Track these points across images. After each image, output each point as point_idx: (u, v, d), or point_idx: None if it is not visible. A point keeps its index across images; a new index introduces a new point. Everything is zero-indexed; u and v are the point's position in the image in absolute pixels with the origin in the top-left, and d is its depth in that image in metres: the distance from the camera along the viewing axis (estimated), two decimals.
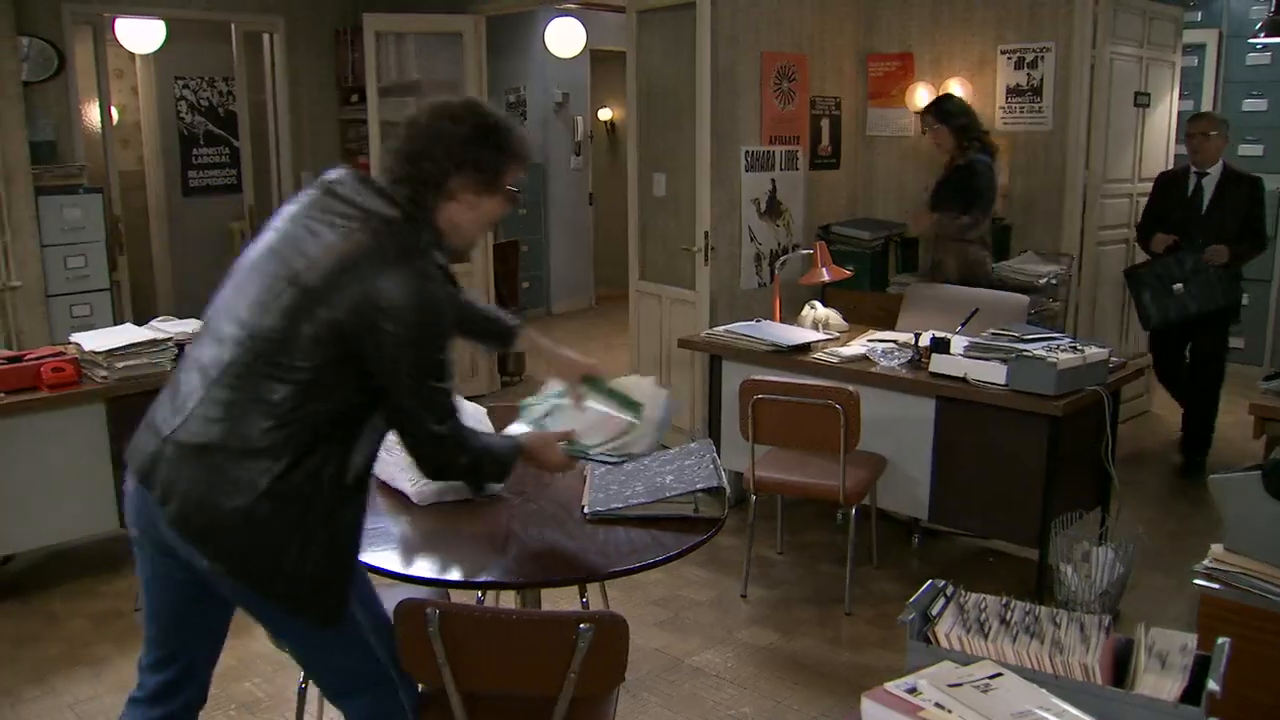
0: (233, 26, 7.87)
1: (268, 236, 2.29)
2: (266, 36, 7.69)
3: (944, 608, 1.89)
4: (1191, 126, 5.67)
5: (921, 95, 6.16)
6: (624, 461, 2.71)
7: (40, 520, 4.21)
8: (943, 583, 1.97)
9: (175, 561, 2.25)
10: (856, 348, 4.65)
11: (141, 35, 7.81)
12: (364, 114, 7.26)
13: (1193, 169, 5.67)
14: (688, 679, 3.74)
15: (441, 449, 2.30)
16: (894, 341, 4.66)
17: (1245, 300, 7.41)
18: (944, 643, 1.82)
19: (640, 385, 2.84)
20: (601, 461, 2.70)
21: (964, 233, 5.35)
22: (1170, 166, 6.56)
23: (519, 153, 2.36)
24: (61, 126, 6.58)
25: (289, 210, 2.31)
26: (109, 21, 7.44)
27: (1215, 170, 5.56)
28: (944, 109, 5.38)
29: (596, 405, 2.82)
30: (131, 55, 8.71)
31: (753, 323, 4.99)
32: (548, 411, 2.89)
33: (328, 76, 7.87)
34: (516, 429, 2.86)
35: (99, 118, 7.34)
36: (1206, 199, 5.61)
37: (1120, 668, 1.79)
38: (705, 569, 4.56)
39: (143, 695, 2.46)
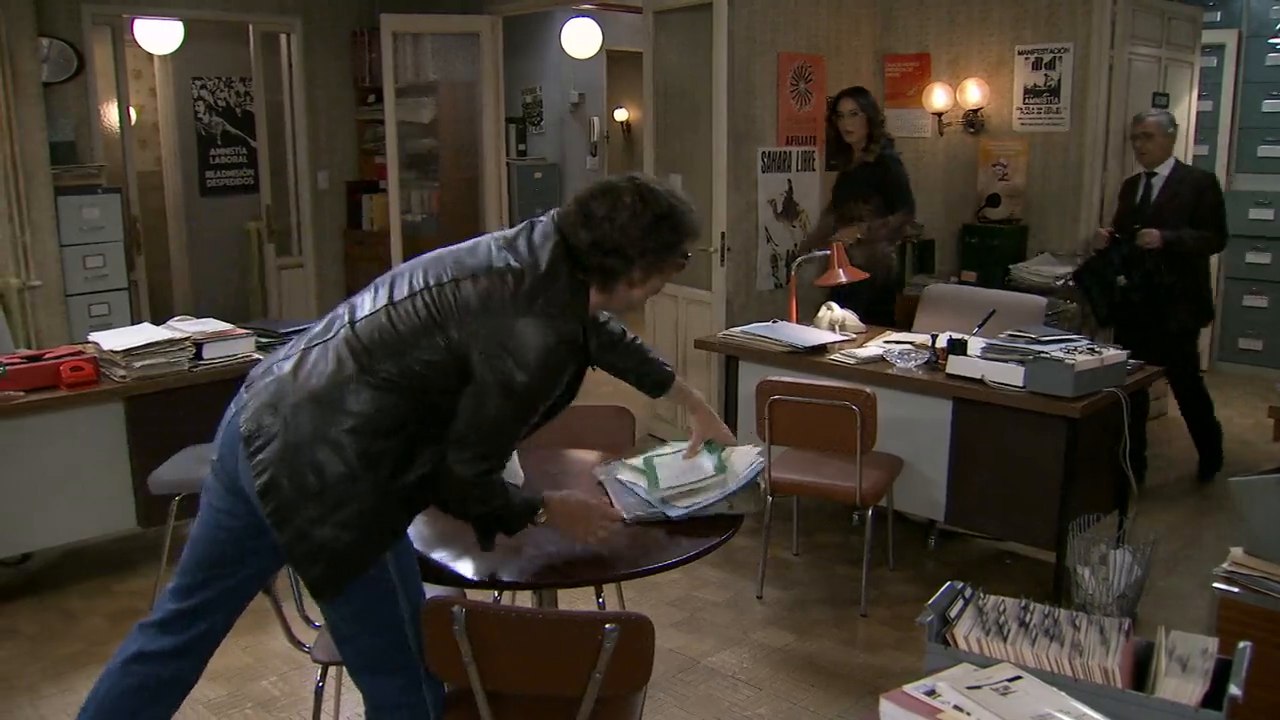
0: (250, 27, 7.90)
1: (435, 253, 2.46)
2: (284, 37, 7.73)
3: (963, 610, 1.89)
4: (1133, 128, 5.56)
5: (939, 96, 6.15)
6: (683, 514, 2.71)
7: (58, 518, 4.23)
8: (961, 585, 1.96)
9: (240, 502, 2.35)
10: (873, 349, 4.64)
11: (160, 36, 7.84)
12: (381, 114, 7.30)
13: (1142, 171, 5.55)
14: (703, 680, 3.74)
15: (465, 488, 2.30)
16: (911, 343, 4.65)
17: (1264, 303, 7.40)
18: (963, 645, 1.82)
19: (742, 452, 2.90)
20: (665, 516, 2.69)
21: (896, 235, 5.45)
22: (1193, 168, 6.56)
23: (693, 232, 2.43)
24: (81, 127, 6.62)
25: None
26: (128, 22, 7.47)
27: (1164, 169, 5.43)
28: (868, 96, 5.49)
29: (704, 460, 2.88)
30: (150, 56, 8.74)
31: (769, 323, 4.99)
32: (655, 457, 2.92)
33: (345, 77, 7.90)
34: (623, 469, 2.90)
35: (117, 118, 7.39)
36: (1154, 198, 5.49)
37: (1140, 671, 1.78)
38: (721, 570, 4.56)
39: (153, 620, 2.52)
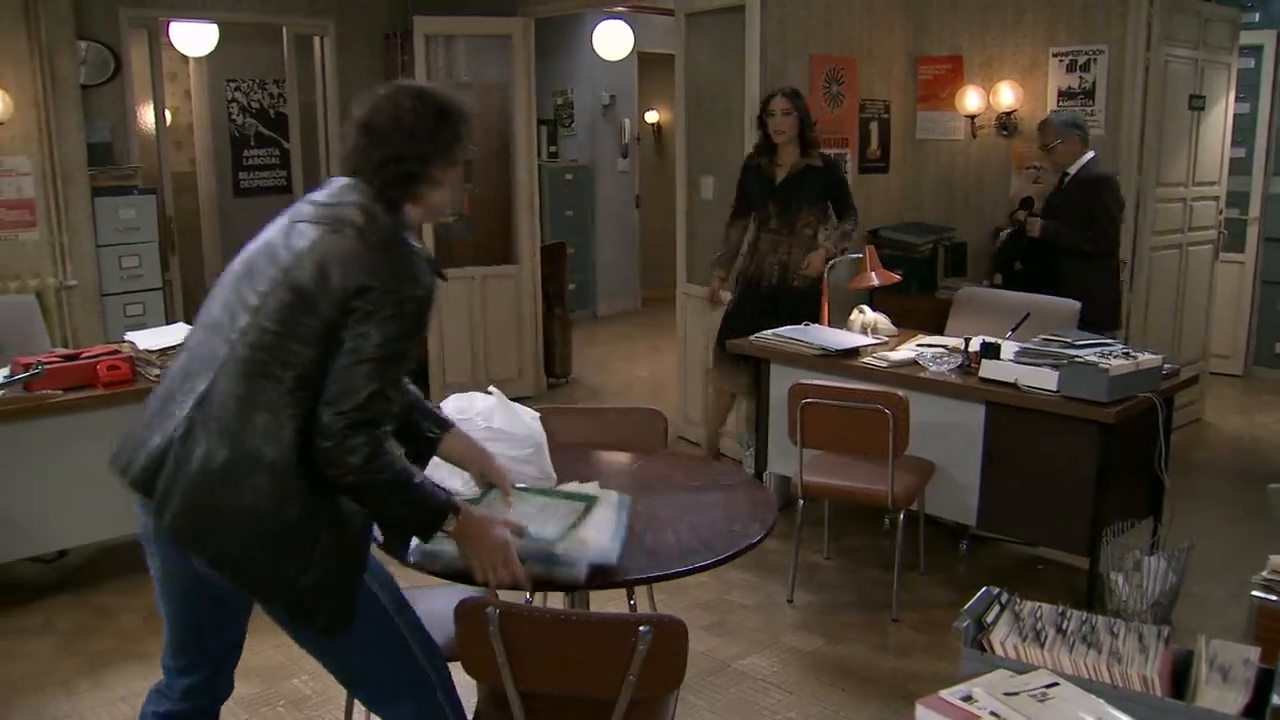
0: (284, 29, 7.95)
1: (247, 250, 2.35)
2: (317, 39, 7.76)
3: (999, 615, 1.88)
4: (1039, 137, 5.56)
5: (972, 99, 6.12)
6: (582, 559, 2.35)
7: (94, 516, 4.26)
8: (997, 590, 1.95)
9: (186, 562, 2.26)
10: (905, 352, 4.62)
11: (195, 38, 7.91)
12: None
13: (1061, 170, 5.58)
14: (734, 683, 3.74)
15: (348, 437, 2.13)
16: (943, 346, 4.62)
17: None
18: (999, 651, 1.81)
19: (585, 487, 2.74)
20: (563, 560, 2.34)
21: (843, 245, 5.29)
22: (1226, 171, 6.52)
23: (468, 117, 2.41)
24: (117, 128, 6.68)
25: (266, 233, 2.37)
26: (164, 25, 7.54)
27: (1074, 168, 5.42)
28: (801, 99, 5.26)
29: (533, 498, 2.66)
30: (185, 58, 8.82)
31: (801, 326, 4.98)
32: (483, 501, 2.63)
33: (377, 78, 7.90)
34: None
35: (153, 120, 7.45)
36: (1061, 194, 5.51)
37: (1179, 680, 1.77)
38: (751, 573, 4.55)
39: (170, 693, 2.48)
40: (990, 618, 1.88)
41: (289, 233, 2.28)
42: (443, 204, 2.47)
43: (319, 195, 2.35)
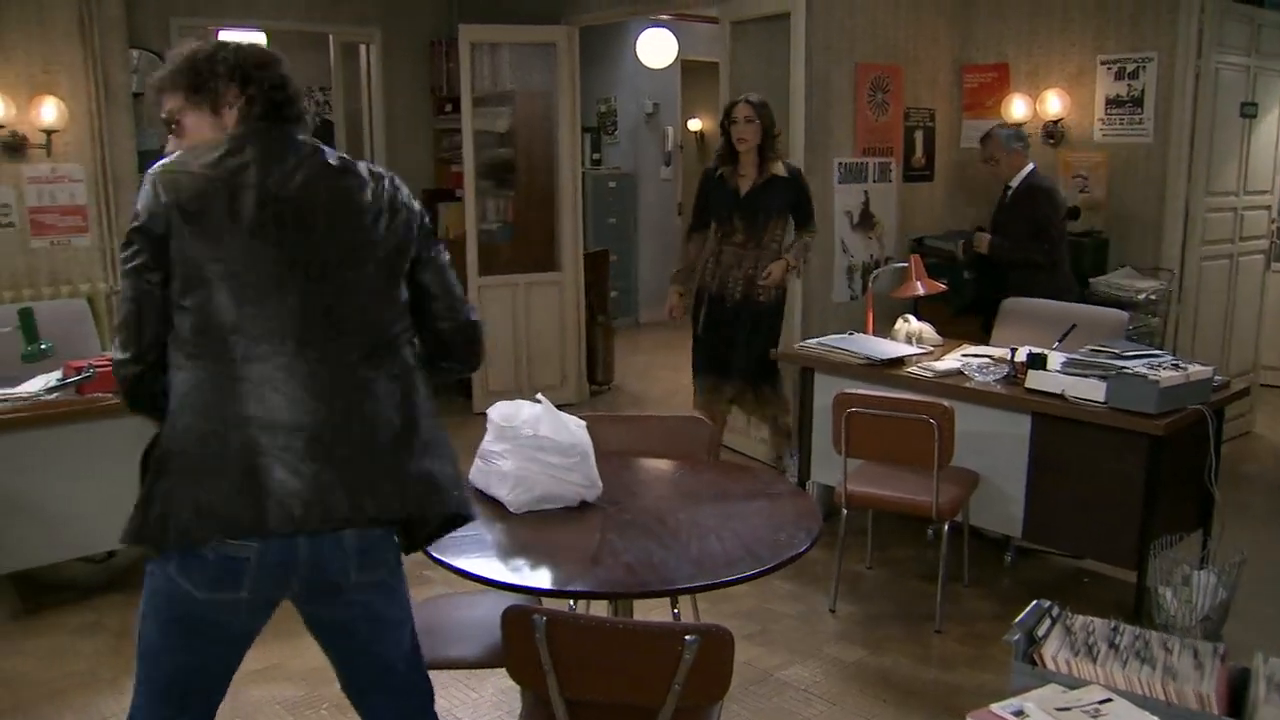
0: (330, 38, 8.03)
1: None
2: (363, 47, 7.83)
3: (1050, 629, 1.86)
4: (980, 151, 5.66)
5: (1018, 107, 6.08)
6: None
7: None
8: (1048, 603, 1.93)
9: (268, 613, 2.21)
10: (950, 362, 4.60)
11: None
12: (457, 123, 7.35)
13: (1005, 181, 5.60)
14: (775, 693, 3.72)
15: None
16: (989, 356, 4.59)
17: None
18: (1050, 665, 1.79)
19: None
20: None
21: (804, 257, 5.28)
22: (1278, 179, 6.44)
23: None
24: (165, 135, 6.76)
25: None
26: (213, 33, 7.62)
27: (1016, 180, 5.47)
28: (767, 108, 5.12)
29: None
30: None
31: (845, 335, 4.96)
32: None
33: (422, 86, 7.99)
34: None
35: None
36: (1004, 207, 5.57)
37: (1236, 698, 1.74)
38: (792, 582, 4.53)
39: None
40: (1041, 631, 1.86)
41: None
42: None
43: None
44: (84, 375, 4.19)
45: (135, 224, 2.06)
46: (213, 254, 2.02)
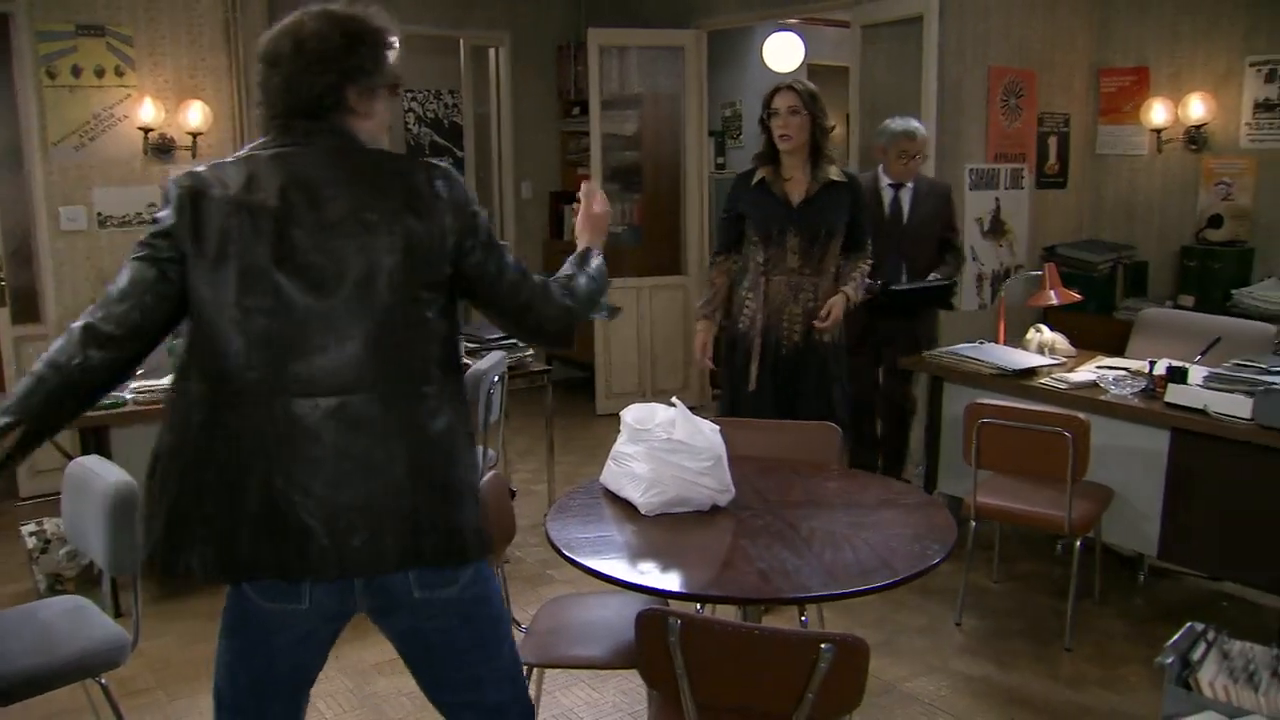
0: (460, 41, 8.17)
1: None
2: (492, 51, 7.96)
3: (1206, 653, 1.80)
4: (907, 144, 5.01)
5: (1158, 112, 5.90)
6: None
7: None
8: (1202, 626, 1.87)
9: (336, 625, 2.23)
10: (1085, 374, 4.48)
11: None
12: (584, 126, 7.43)
13: (887, 182, 5.12)
14: (900, 705, 3.67)
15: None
16: (1125, 369, 4.46)
17: None
18: (1207, 691, 1.73)
19: None
20: None
21: (863, 291, 4.41)
22: None
23: (391, 41, 2.21)
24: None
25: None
26: None
27: (911, 182, 5.11)
28: (818, 99, 4.27)
29: None
30: None
31: (976, 344, 4.87)
32: None
33: (549, 89, 8.09)
34: None
35: None
36: (908, 214, 5.12)
37: None
38: (918, 594, 4.46)
39: None
40: (1196, 655, 1.80)
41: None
42: (371, 136, 2.19)
43: None
44: None
45: None
46: None
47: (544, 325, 2.28)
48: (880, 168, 5.15)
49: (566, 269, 2.39)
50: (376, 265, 2.02)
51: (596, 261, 2.43)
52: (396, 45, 2.23)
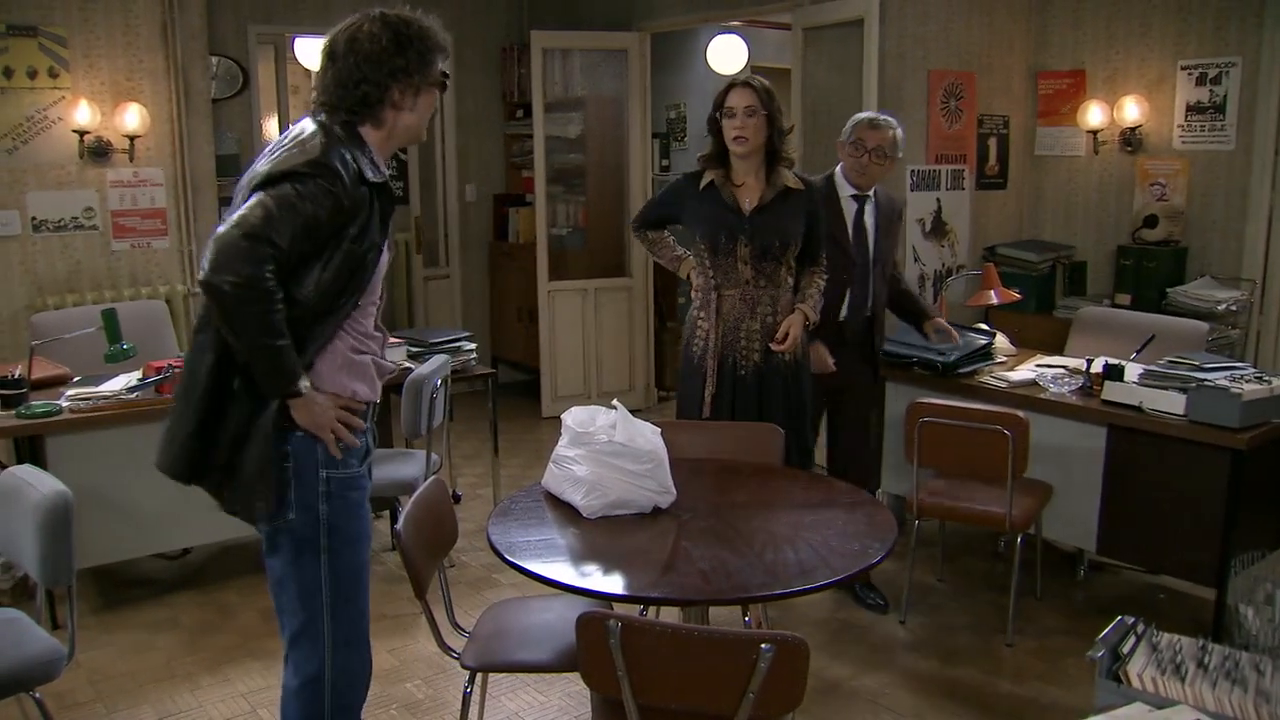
0: None
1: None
2: None
3: (1135, 646, 1.83)
4: (865, 134, 4.23)
5: (1094, 114, 5.98)
6: None
7: (217, 516, 4.35)
8: (1132, 619, 1.90)
9: None
10: (1025, 372, 4.53)
11: (318, 53, 8.11)
12: (528, 129, 7.42)
13: (850, 192, 4.30)
14: (845, 703, 3.70)
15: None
16: (1064, 367, 4.52)
17: None
18: (1136, 683, 1.76)
19: None
20: None
21: (820, 306, 4.00)
22: None
23: (440, 45, 2.55)
24: (244, 140, 6.89)
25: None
26: (289, 41, 7.75)
27: (873, 192, 4.35)
28: (774, 98, 3.88)
29: None
30: (308, 72, 9.03)
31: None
32: None
33: (493, 92, 8.06)
34: None
35: (277, 131, 7.66)
36: (873, 229, 4.33)
37: None
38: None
39: None
40: (1126, 648, 1.83)
41: (252, 172, 2.49)
42: (410, 130, 2.59)
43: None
44: (164, 375, 4.27)
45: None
46: None
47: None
48: (839, 169, 4.38)
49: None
50: None
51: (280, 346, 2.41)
52: (445, 48, 2.57)
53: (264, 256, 2.29)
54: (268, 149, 2.53)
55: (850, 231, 4.28)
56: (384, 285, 2.67)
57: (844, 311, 4.30)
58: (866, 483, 4.42)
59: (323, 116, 2.49)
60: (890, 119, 4.32)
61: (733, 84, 3.91)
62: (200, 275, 2.35)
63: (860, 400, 4.52)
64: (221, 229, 2.32)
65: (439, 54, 2.54)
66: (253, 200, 2.34)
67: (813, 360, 4.04)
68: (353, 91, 2.46)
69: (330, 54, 2.50)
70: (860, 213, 4.31)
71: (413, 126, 2.58)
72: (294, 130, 2.50)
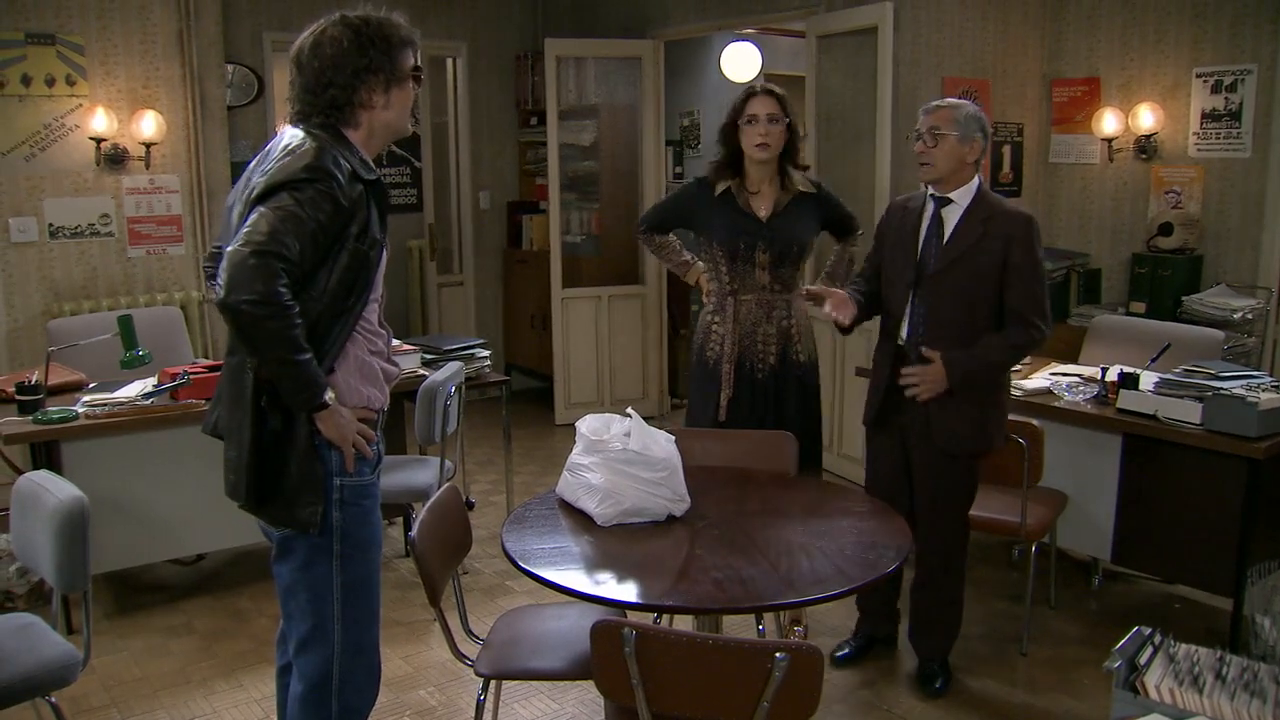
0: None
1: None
2: (450, 61, 7.94)
3: (1152, 657, 1.82)
4: (925, 118, 3.62)
5: (1109, 121, 5.97)
6: None
7: (230, 522, 4.37)
8: (1149, 630, 1.89)
9: None
10: (1039, 381, 4.52)
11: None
12: (542, 136, 7.43)
13: (931, 191, 3.67)
14: (859, 712, 3.69)
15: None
16: (1079, 375, 4.51)
17: None
18: (1153, 694, 1.75)
19: None
20: None
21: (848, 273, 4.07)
22: None
23: (404, 39, 2.54)
24: (258, 147, 6.90)
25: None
26: None
27: (963, 195, 3.60)
28: (789, 101, 3.86)
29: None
30: None
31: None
32: None
33: (507, 100, 8.08)
34: None
35: None
36: (947, 236, 3.60)
37: None
38: None
39: None
40: (1143, 659, 1.82)
41: (246, 185, 2.53)
42: (390, 127, 2.59)
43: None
44: (179, 381, 4.28)
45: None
46: None
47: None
48: None
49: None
50: None
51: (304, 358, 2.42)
52: (412, 40, 2.57)
53: (276, 271, 2.30)
54: (258, 162, 2.54)
55: (921, 236, 3.64)
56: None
57: (903, 332, 3.66)
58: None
59: (302, 125, 2.51)
60: (955, 99, 3.69)
61: (753, 91, 3.92)
62: (216, 299, 2.37)
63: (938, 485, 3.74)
64: (229, 249, 2.34)
65: (404, 48, 2.54)
66: (254, 216, 2.35)
67: (829, 304, 3.63)
68: (321, 96, 2.48)
69: (297, 62, 2.51)
70: (937, 215, 3.61)
71: (392, 123, 2.58)
72: (283, 140, 2.51)
